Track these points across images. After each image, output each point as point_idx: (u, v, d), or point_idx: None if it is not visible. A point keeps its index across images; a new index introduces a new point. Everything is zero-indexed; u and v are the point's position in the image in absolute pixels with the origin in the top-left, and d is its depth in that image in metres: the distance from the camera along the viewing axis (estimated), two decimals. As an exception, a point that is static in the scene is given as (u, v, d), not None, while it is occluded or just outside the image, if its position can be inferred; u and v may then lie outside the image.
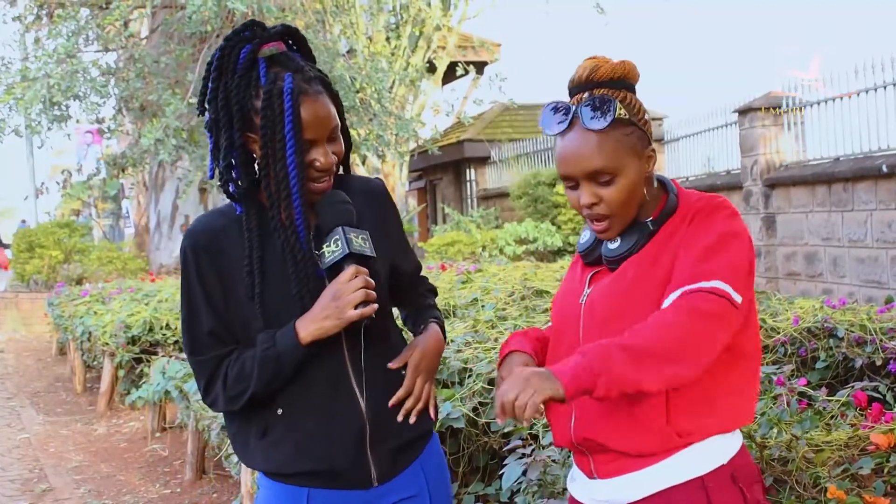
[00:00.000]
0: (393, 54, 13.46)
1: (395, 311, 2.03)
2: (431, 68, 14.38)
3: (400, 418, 1.80)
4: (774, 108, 9.05)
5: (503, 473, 2.54)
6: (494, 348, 3.39)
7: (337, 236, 1.72)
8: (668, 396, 1.57)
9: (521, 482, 2.50)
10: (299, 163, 1.67)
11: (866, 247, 7.74)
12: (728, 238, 1.56)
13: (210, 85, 1.75)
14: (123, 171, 13.49)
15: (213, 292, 1.74)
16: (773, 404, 2.49)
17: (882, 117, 7.81)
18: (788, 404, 2.47)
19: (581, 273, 1.76)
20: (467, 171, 17.86)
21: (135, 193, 20.68)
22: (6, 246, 19.19)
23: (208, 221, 1.79)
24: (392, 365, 1.81)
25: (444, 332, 1.95)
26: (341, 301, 1.68)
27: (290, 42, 1.78)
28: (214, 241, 1.75)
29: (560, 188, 12.19)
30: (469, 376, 3.12)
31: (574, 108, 1.61)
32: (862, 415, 2.45)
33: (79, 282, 13.12)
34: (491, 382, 3.02)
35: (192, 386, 4.74)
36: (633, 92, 1.66)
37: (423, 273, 2.05)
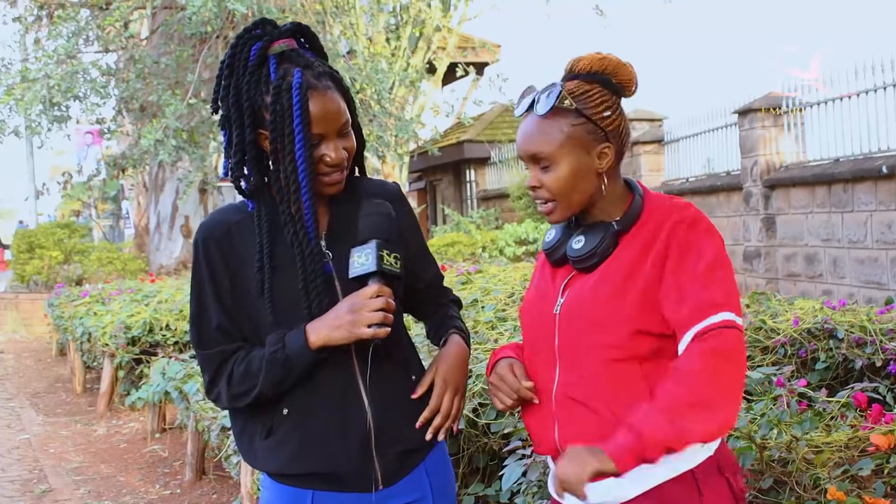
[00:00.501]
0: (393, 55, 13.45)
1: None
2: (431, 69, 14.37)
3: (428, 437, 1.79)
4: (774, 109, 9.05)
5: (503, 474, 2.54)
6: (495, 349, 3.39)
7: (369, 250, 1.70)
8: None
9: (520, 483, 2.50)
10: (308, 157, 1.68)
11: (866, 248, 7.74)
12: (720, 260, 1.58)
13: (222, 82, 1.76)
14: (123, 171, 13.49)
15: (222, 285, 1.74)
16: (773, 405, 2.49)
17: (882, 118, 7.80)
18: (788, 405, 2.47)
19: (552, 279, 1.74)
20: (467, 171, 17.86)
21: (135, 194, 20.68)
22: (6, 247, 19.20)
23: (223, 215, 1.80)
24: (416, 395, 1.80)
25: (468, 341, 1.91)
26: (357, 316, 1.66)
27: (302, 40, 1.78)
28: (227, 235, 1.76)
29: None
30: (469, 377, 3.11)
31: (535, 93, 1.66)
32: (862, 416, 2.45)
33: (79, 282, 13.13)
34: (491, 383, 3.02)
35: (191, 387, 4.74)
36: (610, 88, 1.65)
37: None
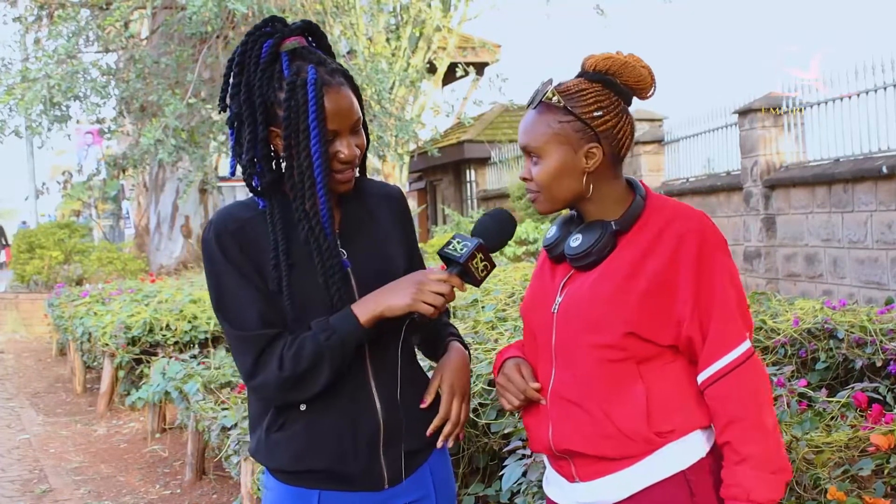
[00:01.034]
0: (393, 55, 13.45)
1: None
2: (431, 69, 14.36)
3: (439, 445, 1.81)
4: (774, 109, 9.05)
5: (503, 474, 2.54)
6: (494, 349, 3.39)
7: (470, 244, 1.71)
8: (647, 402, 1.59)
9: (521, 483, 2.50)
10: (323, 152, 1.67)
11: (866, 248, 7.74)
12: (735, 281, 1.64)
13: (231, 81, 1.75)
14: (124, 171, 13.48)
15: (250, 273, 1.70)
16: (774, 405, 2.49)
17: (882, 118, 7.80)
18: (788, 405, 2.47)
19: (552, 277, 1.75)
20: (467, 172, 17.86)
21: (135, 194, 20.67)
22: (9, 245, 19.22)
23: (233, 211, 1.77)
24: (424, 404, 1.80)
25: (465, 345, 1.92)
26: (422, 288, 1.68)
27: (310, 38, 1.78)
28: (241, 230, 1.73)
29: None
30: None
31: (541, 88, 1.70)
32: (862, 416, 2.45)
33: (79, 282, 13.12)
34: (491, 384, 3.02)
35: (191, 387, 4.74)
36: (613, 88, 1.66)
37: None
